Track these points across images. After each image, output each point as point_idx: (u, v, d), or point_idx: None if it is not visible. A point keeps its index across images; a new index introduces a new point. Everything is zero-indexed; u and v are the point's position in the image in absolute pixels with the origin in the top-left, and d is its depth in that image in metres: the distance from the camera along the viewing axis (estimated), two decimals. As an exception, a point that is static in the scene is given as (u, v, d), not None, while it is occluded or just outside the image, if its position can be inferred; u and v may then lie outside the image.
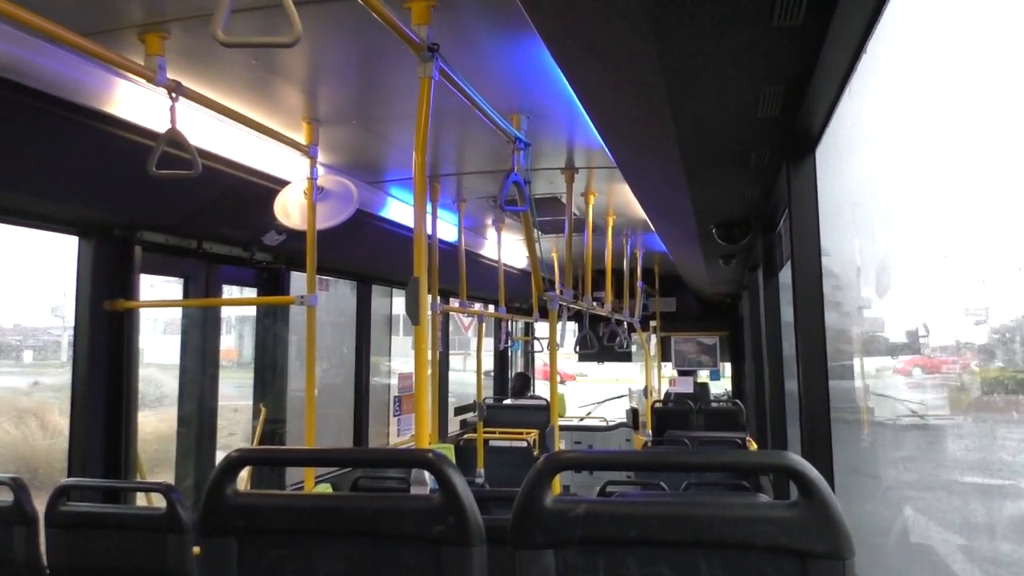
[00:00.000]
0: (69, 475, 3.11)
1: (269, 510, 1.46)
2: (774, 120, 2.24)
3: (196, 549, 2.53)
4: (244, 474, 4.07)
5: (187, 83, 2.49)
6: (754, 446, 6.56)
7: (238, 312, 5.75)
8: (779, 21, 1.49)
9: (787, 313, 4.13)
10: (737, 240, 4.16)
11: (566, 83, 2.29)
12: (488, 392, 8.77)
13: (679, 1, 1.46)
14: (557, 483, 3.55)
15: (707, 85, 2.00)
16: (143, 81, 2.39)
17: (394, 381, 6.50)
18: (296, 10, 2.17)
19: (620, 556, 1.28)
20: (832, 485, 2.54)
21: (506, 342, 8.29)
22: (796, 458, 1.28)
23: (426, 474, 2.16)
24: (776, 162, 2.67)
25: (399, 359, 6.70)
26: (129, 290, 3.31)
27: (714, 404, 8.66)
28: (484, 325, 6.04)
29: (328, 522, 1.43)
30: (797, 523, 1.23)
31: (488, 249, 6.49)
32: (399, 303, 6.52)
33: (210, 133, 3.04)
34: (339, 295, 5.73)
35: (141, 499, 3.37)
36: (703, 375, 9.93)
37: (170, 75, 2.38)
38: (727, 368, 10.26)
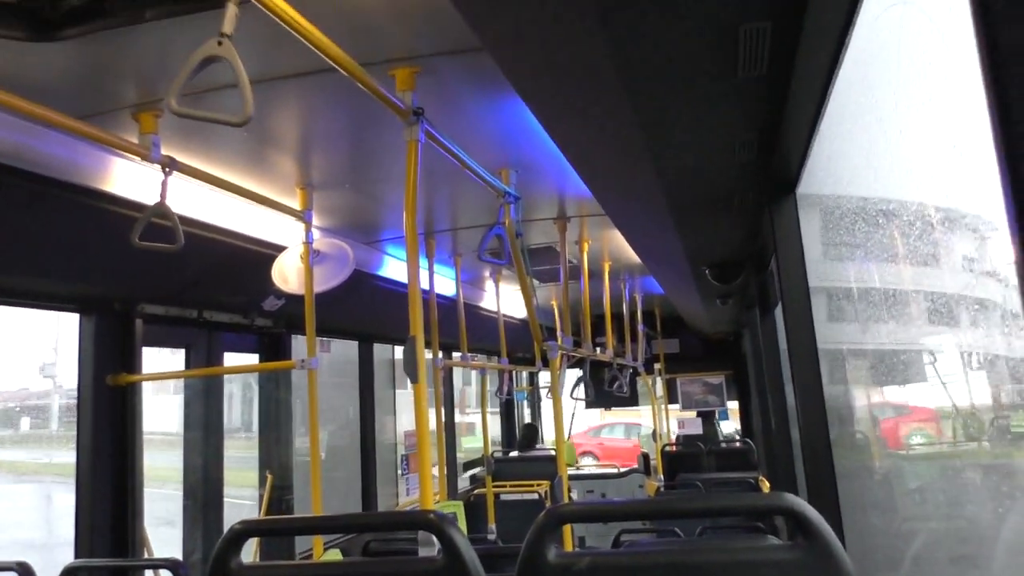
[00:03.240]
0: (76, 555, 3.07)
1: None
2: (752, 164, 2.30)
3: (203, 623, 2.51)
4: (254, 544, 4.03)
5: (181, 157, 2.55)
6: (767, 485, 6.48)
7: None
8: (744, 72, 1.55)
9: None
10: (730, 280, 4.19)
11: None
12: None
13: (647, 59, 1.52)
14: (568, 533, 3.52)
15: (684, 135, 2.05)
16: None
17: (401, 437, 6.45)
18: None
19: None
20: (840, 522, 2.52)
21: (508, 393, 8.27)
22: (793, 499, 1.28)
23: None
24: (759, 203, 2.72)
25: (405, 415, 6.66)
26: (131, 363, 3.32)
27: (724, 444, 8.58)
28: (488, 378, 6.02)
29: None
30: (797, 564, 1.23)
31: (487, 301, 6.52)
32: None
33: (205, 203, 3.10)
34: (342, 355, 5.73)
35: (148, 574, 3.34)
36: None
37: (164, 150, 2.44)
38: (735, 407, 10.18)
